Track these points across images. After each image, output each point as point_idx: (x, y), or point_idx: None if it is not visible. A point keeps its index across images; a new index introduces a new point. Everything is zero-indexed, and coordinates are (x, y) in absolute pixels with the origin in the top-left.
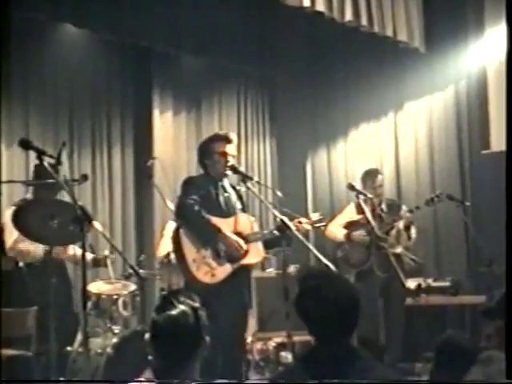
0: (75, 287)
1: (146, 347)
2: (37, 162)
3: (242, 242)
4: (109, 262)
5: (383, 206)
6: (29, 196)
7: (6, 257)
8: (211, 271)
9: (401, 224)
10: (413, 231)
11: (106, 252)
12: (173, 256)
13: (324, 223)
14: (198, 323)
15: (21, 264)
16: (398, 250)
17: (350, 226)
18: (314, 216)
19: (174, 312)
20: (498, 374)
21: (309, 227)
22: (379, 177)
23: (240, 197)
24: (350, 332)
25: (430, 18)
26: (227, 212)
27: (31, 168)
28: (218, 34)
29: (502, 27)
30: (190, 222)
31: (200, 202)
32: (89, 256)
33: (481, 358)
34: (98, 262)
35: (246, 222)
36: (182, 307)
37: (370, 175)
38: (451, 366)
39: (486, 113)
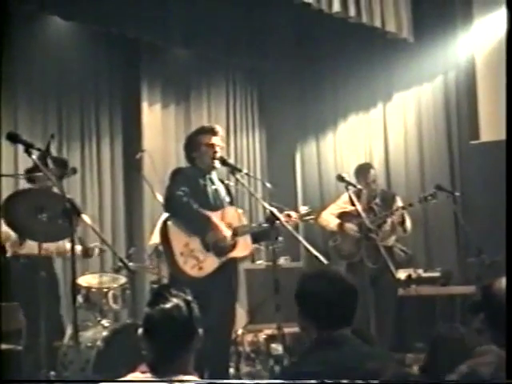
0: (65, 281)
1: (139, 342)
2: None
3: (229, 233)
4: (96, 251)
5: (377, 200)
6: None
7: None
8: (199, 264)
9: (394, 218)
10: (408, 224)
11: (97, 243)
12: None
13: (313, 216)
14: (191, 316)
15: (8, 254)
16: (390, 242)
17: (343, 216)
18: (303, 209)
19: (167, 305)
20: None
21: (298, 221)
22: (371, 172)
23: (228, 190)
24: (349, 323)
25: (419, 8)
26: (215, 205)
27: (19, 162)
28: (206, 25)
29: (491, 17)
30: (179, 214)
31: (189, 194)
32: (78, 248)
33: (475, 352)
34: (87, 252)
35: (234, 215)
36: (175, 300)
37: (362, 171)
38: (444, 362)
39: (474, 103)
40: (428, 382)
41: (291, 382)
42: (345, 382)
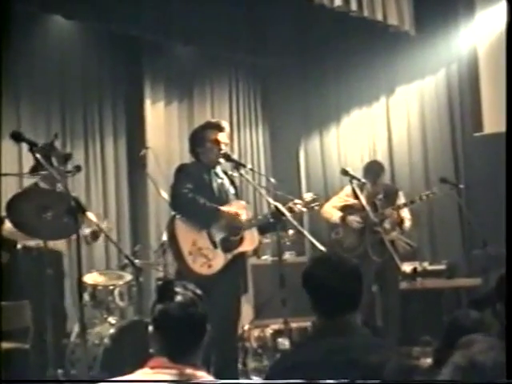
0: (71, 278)
1: (149, 338)
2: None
3: (243, 212)
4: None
5: (380, 196)
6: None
7: (2, 249)
8: (208, 262)
9: (394, 217)
10: (406, 225)
11: (105, 223)
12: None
13: (318, 203)
14: (202, 310)
15: (18, 246)
16: (393, 235)
17: (346, 209)
18: (308, 196)
19: (181, 300)
20: (478, 354)
21: (303, 209)
22: (381, 176)
23: (233, 182)
24: (353, 308)
25: (420, 1)
26: (221, 198)
27: (23, 161)
28: (208, 21)
29: (493, 9)
30: (186, 210)
31: (194, 190)
32: (86, 231)
33: (462, 341)
34: (97, 235)
35: (241, 209)
36: (185, 295)
37: (373, 171)
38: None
39: (477, 95)
40: (429, 382)
41: (290, 381)
42: (344, 381)
